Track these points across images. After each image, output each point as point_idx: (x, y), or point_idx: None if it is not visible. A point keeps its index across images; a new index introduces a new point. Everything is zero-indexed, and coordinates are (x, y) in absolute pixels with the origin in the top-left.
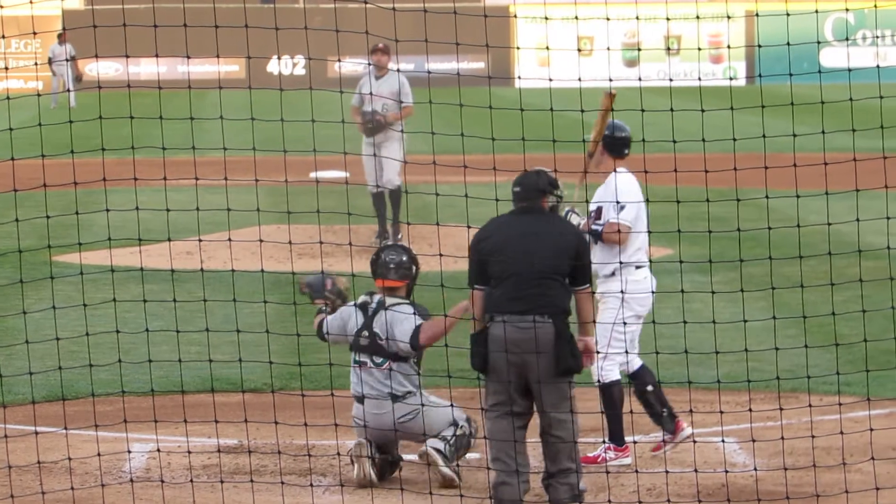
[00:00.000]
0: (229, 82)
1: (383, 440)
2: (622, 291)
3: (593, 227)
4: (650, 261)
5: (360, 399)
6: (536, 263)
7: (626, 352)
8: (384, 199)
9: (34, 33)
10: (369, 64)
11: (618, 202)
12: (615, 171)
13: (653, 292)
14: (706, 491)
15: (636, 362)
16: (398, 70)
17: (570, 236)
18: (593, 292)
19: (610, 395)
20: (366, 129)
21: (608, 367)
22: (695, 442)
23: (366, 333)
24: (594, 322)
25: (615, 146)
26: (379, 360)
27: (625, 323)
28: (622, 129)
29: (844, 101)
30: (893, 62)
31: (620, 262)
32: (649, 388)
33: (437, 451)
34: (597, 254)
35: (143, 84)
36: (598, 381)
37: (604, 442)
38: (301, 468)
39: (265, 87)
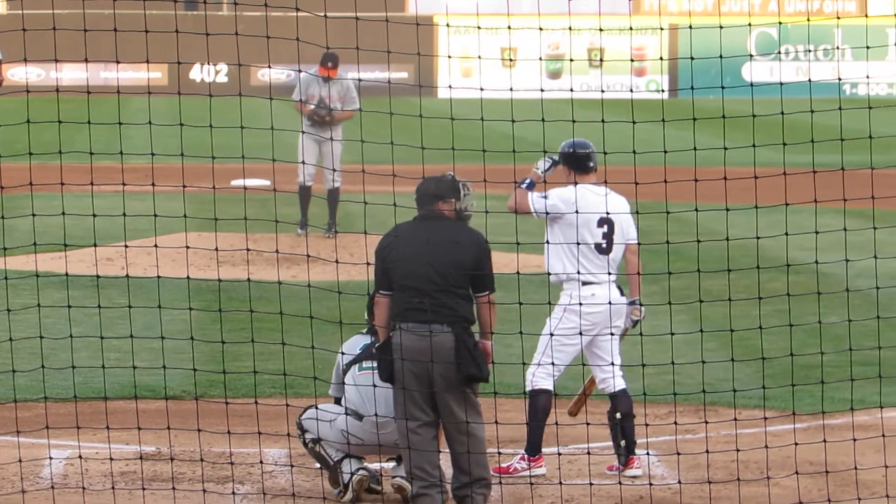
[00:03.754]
0: (152, 89)
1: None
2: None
3: (522, 183)
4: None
5: (359, 416)
6: (435, 272)
7: (554, 363)
8: (310, 193)
9: None
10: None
11: (546, 195)
12: (575, 183)
13: (611, 304)
14: (624, 503)
15: (618, 383)
16: (350, 77)
17: (469, 246)
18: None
19: (535, 403)
20: (314, 114)
21: (540, 375)
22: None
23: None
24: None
25: (577, 163)
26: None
27: (552, 335)
28: (584, 145)
29: (773, 116)
30: (817, 77)
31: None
32: (617, 415)
33: (405, 478)
34: (548, 263)
35: (68, 89)
36: (529, 387)
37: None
38: (220, 476)
39: (194, 94)
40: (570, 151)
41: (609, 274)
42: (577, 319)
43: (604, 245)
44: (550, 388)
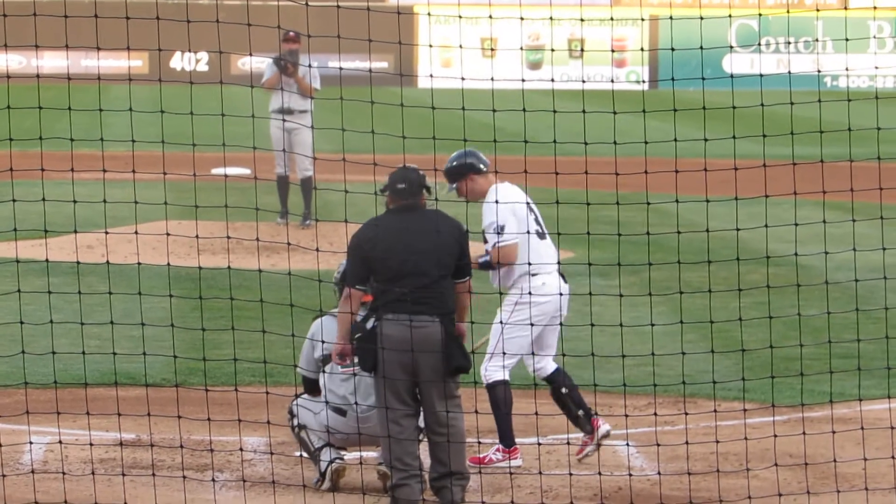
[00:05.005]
0: (133, 77)
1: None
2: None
3: (480, 261)
4: (559, 262)
5: (342, 411)
6: (424, 263)
7: (505, 353)
8: (288, 182)
9: None
10: (282, 59)
11: (498, 227)
12: (496, 186)
13: (562, 294)
14: (604, 494)
15: (550, 365)
16: (310, 65)
17: (454, 232)
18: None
19: (494, 395)
20: (279, 65)
21: (492, 368)
22: (600, 445)
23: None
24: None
25: (471, 167)
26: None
27: (502, 322)
28: (472, 154)
29: (753, 108)
30: (798, 69)
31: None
32: (564, 390)
33: None
34: (491, 275)
35: (49, 76)
36: (484, 381)
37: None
38: (199, 463)
39: (175, 82)
40: (466, 162)
41: (553, 263)
42: (533, 311)
43: (541, 231)
44: (505, 378)
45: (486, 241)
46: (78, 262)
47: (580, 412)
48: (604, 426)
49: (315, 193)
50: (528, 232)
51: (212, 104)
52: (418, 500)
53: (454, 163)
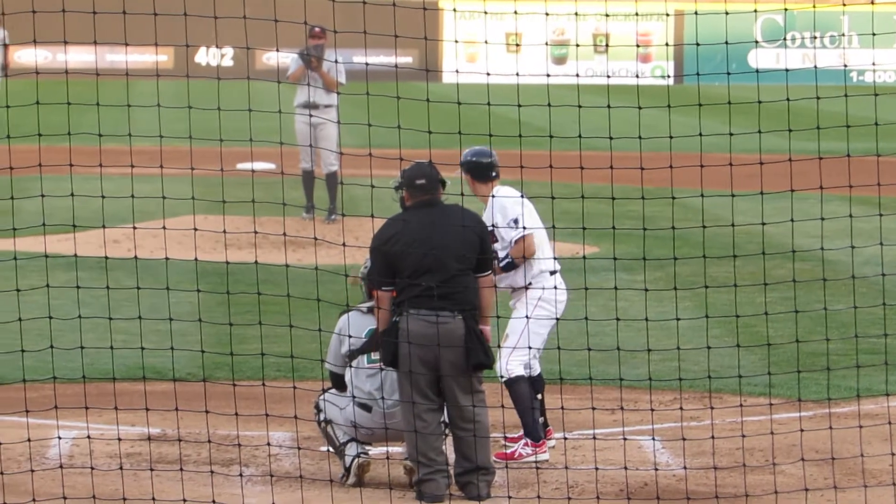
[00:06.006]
0: (158, 72)
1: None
2: (533, 287)
3: (501, 264)
4: (556, 258)
5: (368, 406)
6: (447, 259)
7: (530, 347)
8: (313, 177)
9: None
10: (307, 53)
11: (511, 222)
12: (492, 195)
13: (565, 289)
14: (629, 490)
15: (538, 367)
16: (336, 61)
17: (474, 226)
18: (495, 286)
19: (517, 391)
20: (305, 51)
21: (513, 363)
22: (625, 440)
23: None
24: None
25: (479, 172)
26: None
27: (527, 317)
28: (487, 154)
29: (778, 103)
30: (824, 64)
31: (527, 287)
32: (539, 396)
33: None
34: (511, 272)
35: (76, 71)
36: (502, 377)
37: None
38: (225, 458)
39: (201, 77)
40: (495, 164)
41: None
42: (550, 308)
43: (547, 230)
44: (523, 373)
45: (495, 242)
46: (106, 258)
47: (542, 419)
48: (553, 441)
49: (342, 189)
50: (553, 227)
51: (237, 99)
52: (444, 495)
53: (491, 159)
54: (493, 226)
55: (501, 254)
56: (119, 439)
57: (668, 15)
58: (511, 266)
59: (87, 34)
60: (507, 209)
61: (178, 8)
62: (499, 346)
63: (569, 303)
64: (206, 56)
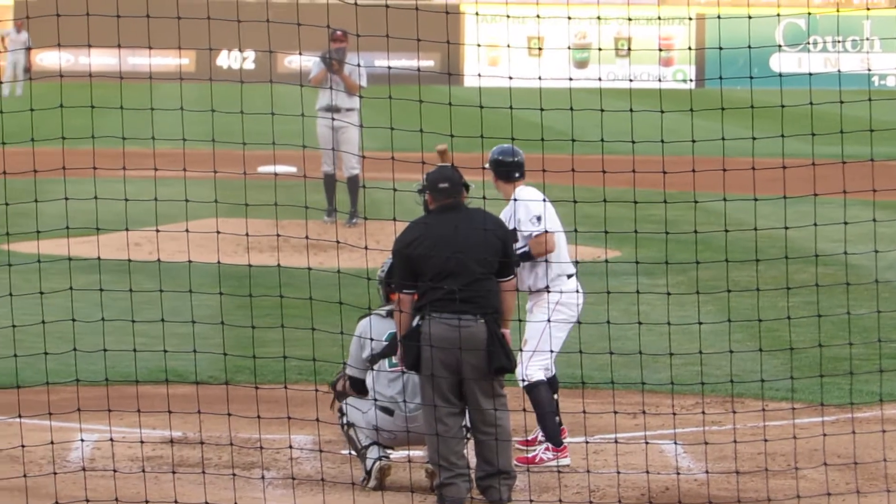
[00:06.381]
0: (180, 75)
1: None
2: (552, 290)
3: (518, 252)
4: (577, 262)
5: (390, 410)
6: (469, 262)
7: (552, 351)
8: (335, 180)
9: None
10: (329, 56)
11: (534, 218)
12: (514, 198)
13: (582, 292)
14: (651, 494)
15: (552, 368)
16: (359, 65)
17: (497, 230)
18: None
19: (537, 395)
20: (327, 56)
21: (533, 368)
22: (647, 444)
23: None
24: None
25: (502, 171)
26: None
27: (548, 321)
28: (512, 153)
29: (801, 107)
30: (846, 68)
31: (548, 289)
32: (556, 396)
33: None
34: (528, 274)
35: (99, 74)
36: (522, 381)
37: (539, 442)
38: (246, 461)
39: (224, 80)
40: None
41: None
42: (568, 312)
43: (565, 233)
44: (543, 378)
45: (516, 241)
46: (129, 260)
47: (557, 419)
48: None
49: (364, 192)
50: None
51: (258, 102)
52: (465, 498)
53: (515, 159)
54: (515, 228)
55: (520, 242)
56: (141, 442)
57: (690, 19)
58: (526, 256)
59: (109, 37)
60: (531, 207)
61: (200, 11)
62: (520, 350)
63: (588, 306)
64: (227, 59)
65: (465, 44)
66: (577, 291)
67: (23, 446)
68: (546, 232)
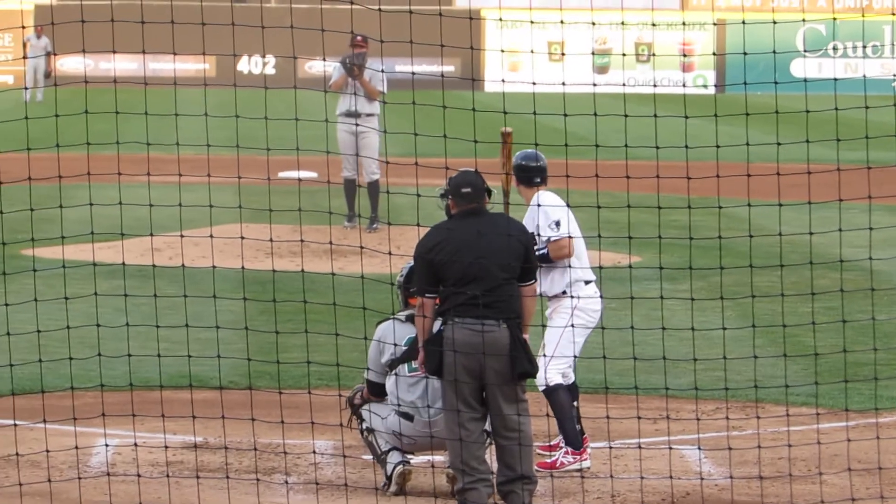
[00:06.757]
0: (200, 80)
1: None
2: (570, 296)
3: (539, 252)
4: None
5: (410, 416)
6: (492, 267)
7: (575, 356)
8: (355, 185)
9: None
10: (349, 62)
11: (553, 223)
12: (535, 204)
13: (603, 297)
14: (670, 500)
15: (571, 376)
16: (382, 70)
17: (519, 236)
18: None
19: (556, 399)
20: (347, 60)
21: (552, 372)
22: (671, 449)
23: None
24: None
25: (524, 177)
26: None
27: (572, 325)
28: (535, 158)
29: (825, 112)
30: (868, 74)
31: (572, 295)
32: (575, 403)
33: None
34: (545, 278)
35: (123, 80)
36: (542, 386)
37: (560, 447)
38: (267, 466)
39: (247, 86)
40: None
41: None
42: (586, 317)
43: (583, 238)
44: (562, 382)
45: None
46: (154, 266)
47: (578, 427)
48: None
49: (386, 197)
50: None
51: (279, 108)
52: (486, 503)
53: (537, 164)
54: (534, 232)
55: (538, 244)
56: (166, 447)
57: (715, 24)
58: (544, 259)
59: (130, 43)
60: (549, 213)
61: (221, 17)
62: (543, 355)
63: (609, 311)
64: (248, 64)
65: (487, 49)
66: (597, 297)
67: (47, 451)
68: (569, 237)
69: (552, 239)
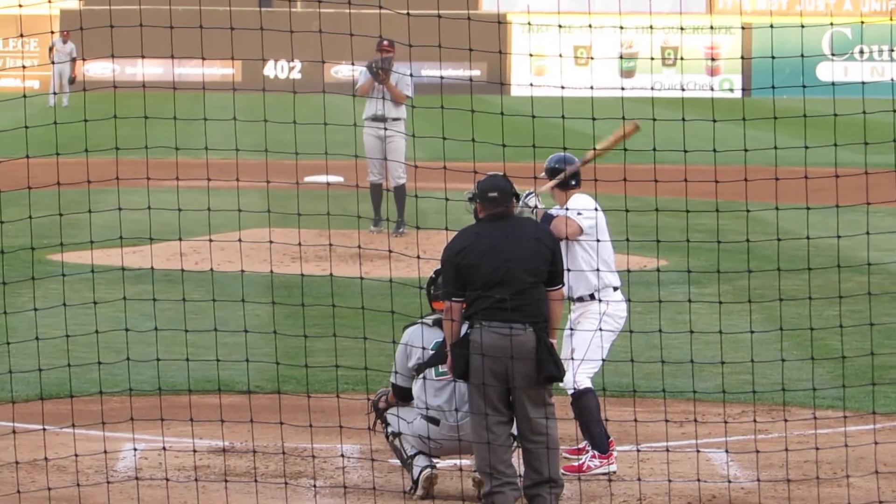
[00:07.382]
0: (226, 85)
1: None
2: (599, 300)
3: (548, 212)
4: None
5: (436, 420)
6: (518, 271)
7: (603, 360)
8: (382, 189)
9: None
10: (375, 66)
11: (578, 212)
12: (566, 207)
13: (628, 301)
14: (697, 503)
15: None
16: (409, 74)
17: (546, 240)
18: (567, 298)
19: (585, 403)
20: (373, 64)
21: (581, 376)
22: (698, 452)
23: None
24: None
25: (577, 183)
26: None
27: (601, 329)
28: (564, 161)
29: (852, 116)
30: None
31: (600, 300)
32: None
33: None
34: (571, 279)
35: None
36: (573, 389)
37: (587, 451)
38: (293, 471)
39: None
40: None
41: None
42: (614, 323)
43: (611, 242)
44: (592, 386)
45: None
46: (182, 270)
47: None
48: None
49: (414, 201)
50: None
51: (305, 112)
52: None
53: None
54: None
55: (552, 211)
56: (194, 451)
57: (743, 28)
58: (548, 218)
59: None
60: (578, 205)
61: (246, 22)
62: (571, 359)
63: (635, 315)
64: (274, 69)
65: (514, 53)
66: (624, 302)
67: (76, 456)
68: (580, 228)
69: (568, 216)
